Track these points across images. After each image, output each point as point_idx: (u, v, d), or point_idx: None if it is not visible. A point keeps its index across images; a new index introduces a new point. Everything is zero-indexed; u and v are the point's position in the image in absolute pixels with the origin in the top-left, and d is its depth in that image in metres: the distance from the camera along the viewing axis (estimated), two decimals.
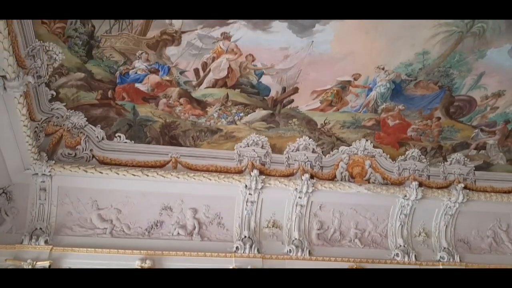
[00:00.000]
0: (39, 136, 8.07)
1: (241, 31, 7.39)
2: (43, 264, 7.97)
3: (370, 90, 8.53)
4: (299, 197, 9.42)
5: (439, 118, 9.15)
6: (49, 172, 8.30)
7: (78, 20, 6.89)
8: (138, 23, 7.12)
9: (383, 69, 8.06)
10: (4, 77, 6.18)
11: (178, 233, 9.08)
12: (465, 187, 10.01)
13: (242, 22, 7.23)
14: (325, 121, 9.20)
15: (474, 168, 10.27)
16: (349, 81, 8.37)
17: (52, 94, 7.92)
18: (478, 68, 8.02)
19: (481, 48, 7.60)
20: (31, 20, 6.47)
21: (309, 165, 9.59)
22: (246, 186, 9.14)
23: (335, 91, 8.56)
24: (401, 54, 7.73)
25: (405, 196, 9.74)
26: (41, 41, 6.91)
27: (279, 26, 7.29)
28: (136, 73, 7.92)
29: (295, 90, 8.51)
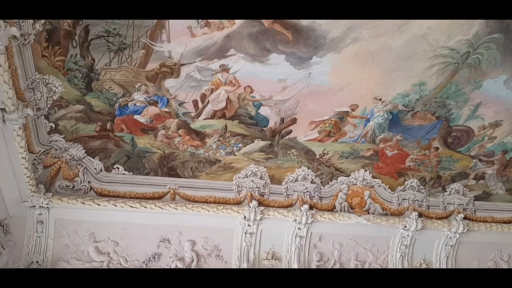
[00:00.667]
0: (37, 168, 8.04)
1: (239, 63, 7.49)
2: None
3: (368, 120, 8.58)
4: (299, 228, 9.33)
5: (437, 148, 9.17)
6: (46, 204, 8.24)
7: (78, 53, 6.98)
8: (137, 55, 7.21)
9: (380, 100, 8.13)
10: (3, 110, 6.20)
11: (176, 265, 8.95)
12: (465, 218, 9.94)
13: (240, 55, 7.34)
14: (324, 152, 9.20)
15: (473, 198, 10.22)
16: (347, 112, 8.43)
17: (51, 126, 7.94)
18: (475, 99, 8.10)
19: (477, 79, 7.69)
20: (31, 53, 6.54)
21: (308, 196, 9.54)
22: (245, 217, 9.06)
23: (333, 122, 8.60)
24: (398, 85, 7.82)
25: (405, 226, 9.65)
26: (41, 74, 6.97)
27: (277, 58, 7.40)
28: (135, 105, 7.97)
29: (293, 121, 8.56)
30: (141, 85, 7.65)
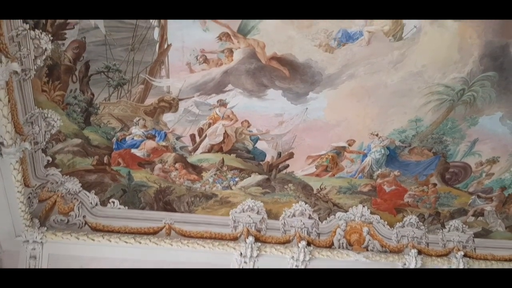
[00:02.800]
0: (33, 202, 7.99)
1: (237, 98, 7.58)
2: None
3: (365, 155, 8.60)
4: (296, 265, 9.17)
5: (435, 184, 9.14)
6: (40, 239, 8.13)
7: (78, 88, 7.06)
8: (136, 90, 7.30)
9: (377, 135, 8.17)
10: (1, 143, 6.22)
11: None
12: (465, 255, 9.79)
13: (238, 90, 7.44)
14: (321, 186, 9.17)
15: (473, 235, 10.10)
16: (343, 147, 8.46)
17: (48, 160, 7.94)
18: (471, 135, 8.14)
19: (473, 115, 7.76)
20: (31, 88, 6.61)
21: (305, 232, 9.43)
22: (241, 253, 8.91)
23: (330, 157, 8.61)
24: (394, 121, 7.88)
25: (405, 264, 9.49)
26: (40, 108, 7.03)
27: (274, 94, 7.49)
28: (132, 139, 8.00)
29: (291, 155, 8.57)
30: (139, 119, 7.71)
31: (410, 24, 6.78)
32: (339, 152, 8.53)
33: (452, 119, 7.83)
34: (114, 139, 7.95)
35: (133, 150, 8.19)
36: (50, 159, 7.94)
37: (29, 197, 7.82)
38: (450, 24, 6.64)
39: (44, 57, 6.39)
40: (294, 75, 7.24)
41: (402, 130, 8.02)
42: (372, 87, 7.35)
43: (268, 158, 8.59)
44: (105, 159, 8.20)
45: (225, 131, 8.09)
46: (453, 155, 8.57)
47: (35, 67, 6.36)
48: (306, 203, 9.44)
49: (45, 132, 7.31)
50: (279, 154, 8.54)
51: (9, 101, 5.92)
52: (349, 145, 8.39)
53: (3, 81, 5.66)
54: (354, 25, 6.83)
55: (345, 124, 7.93)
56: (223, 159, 8.49)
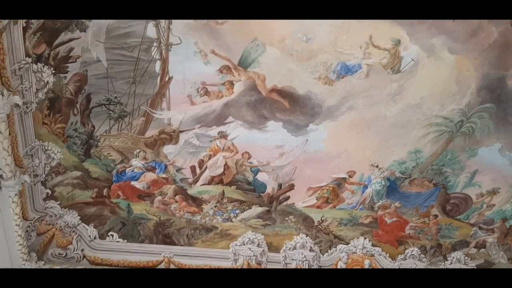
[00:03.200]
0: (31, 236, 7.88)
1: (237, 130, 7.62)
2: None
3: (366, 187, 8.56)
4: None
5: (436, 216, 9.07)
6: None
7: (79, 121, 7.10)
8: (137, 123, 7.35)
9: (377, 166, 8.17)
10: (0, 176, 6.19)
11: None
12: None
13: (238, 122, 7.49)
14: (322, 218, 9.08)
15: (475, 268, 9.97)
16: (344, 178, 8.44)
17: (47, 193, 7.88)
18: (471, 166, 8.14)
19: (472, 146, 7.78)
20: (32, 120, 6.63)
21: (307, 265, 9.27)
22: None
23: (331, 188, 8.58)
24: (394, 152, 7.90)
25: None
26: (41, 141, 7.04)
27: (274, 126, 7.54)
28: (133, 171, 7.98)
29: (291, 187, 8.53)
30: (139, 152, 7.71)
31: (407, 57, 6.92)
32: (339, 183, 8.50)
33: (452, 151, 7.85)
34: (114, 172, 7.93)
35: (133, 183, 8.15)
36: (50, 191, 7.89)
37: (27, 231, 7.72)
38: (447, 57, 6.77)
39: (45, 90, 6.45)
40: (294, 107, 7.31)
41: (402, 162, 8.02)
42: (372, 118, 7.40)
43: (268, 190, 8.55)
44: (105, 191, 8.15)
45: (226, 162, 8.08)
46: (453, 186, 8.54)
47: (37, 100, 6.41)
48: (307, 235, 9.32)
49: (45, 164, 7.29)
50: (280, 186, 8.51)
51: (9, 133, 5.95)
52: (350, 176, 8.37)
53: (4, 114, 5.70)
54: (353, 58, 6.96)
55: (345, 156, 7.94)
56: (223, 191, 8.45)
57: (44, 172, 7.43)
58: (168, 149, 7.77)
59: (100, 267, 8.37)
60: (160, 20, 6.40)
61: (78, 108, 6.96)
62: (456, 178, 8.36)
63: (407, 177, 8.33)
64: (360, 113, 7.34)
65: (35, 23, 5.83)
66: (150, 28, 6.48)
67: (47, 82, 6.33)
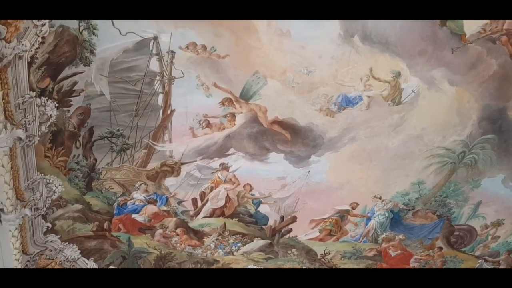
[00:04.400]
0: None
1: (239, 162, 7.61)
2: None
3: (369, 219, 8.49)
4: None
5: (441, 248, 8.96)
6: None
7: (81, 154, 7.10)
8: (139, 155, 7.35)
9: (380, 198, 8.12)
10: (1, 210, 6.15)
11: None
12: None
13: (240, 154, 7.49)
14: (325, 251, 8.97)
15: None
16: (347, 210, 8.37)
17: (48, 227, 7.80)
18: (475, 198, 8.09)
19: (475, 178, 7.75)
20: (34, 154, 6.63)
21: None
22: None
23: (333, 220, 8.50)
24: (397, 184, 7.86)
25: None
26: (42, 174, 7.01)
27: (276, 157, 7.53)
28: (134, 204, 7.94)
29: (294, 219, 8.46)
30: (141, 184, 7.69)
31: (408, 89, 6.96)
32: (342, 215, 8.43)
33: (455, 182, 7.82)
34: (115, 205, 7.88)
35: (134, 215, 8.09)
36: (50, 225, 7.81)
37: (26, 265, 7.60)
38: (448, 89, 6.81)
39: (48, 123, 6.47)
40: (295, 138, 7.32)
41: (405, 193, 7.98)
42: (374, 150, 7.40)
43: (270, 222, 8.47)
44: (106, 225, 8.08)
45: (227, 195, 8.04)
46: (457, 218, 8.46)
47: (39, 133, 6.41)
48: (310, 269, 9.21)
49: (46, 198, 7.25)
50: (282, 218, 8.43)
51: (11, 167, 5.93)
52: (353, 208, 8.31)
53: (7, 147, 5.70)
54: (353, 90, 7.01)
55: (348, 187, 7.91)
56: (225, 223, 8.37)
57: (45, 206, 7.38)
58: (169, 181, 7.75)
59: None
60: (164, 54, 6.49)
61: (81, 141, 6.98)
62: (460, 210, 8.30)
63: (410, 208, 8.27)
64: (362, 145, 7.34)
65: (40, 57, 5.91)
66: (153, 62, 6.56)
67: (50, 116, 6.35)
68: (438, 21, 6.26)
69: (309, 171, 7.70)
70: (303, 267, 9.12)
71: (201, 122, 7.18)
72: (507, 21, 6.17)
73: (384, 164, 7.55)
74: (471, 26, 6.29)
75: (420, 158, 7.45)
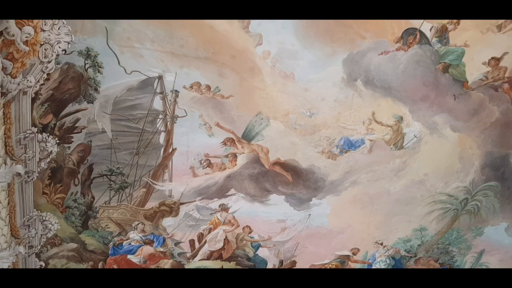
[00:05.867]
0: None
1: (239, 203, 7.50)
2: None
3: (370, 266, 8.29)
4: None
5: None
6: None
7: (79, 191, 6.99)
8: (138, 194, 7.23)
9: (381, 244, 7.97)
10: None
11: None
12: None
13: (240, 194, 7.40)
14: None
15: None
16: (348, 256, 8.19)
17: (41, 265, 7.56)
18: (478, 246, 7.96)
19: (478, 225, 7.66)
20: (32, 190, 6.52)
21: None
22: None
23: (334, 266, 8.30)
24: (399, 229, 7.75)
25: None
26: (39, 211, 6.86)
27: (277, 199, 7.45)
28: (130, 244, 7.73)
29: (293, 264, 8.25)
30: (138, 224, 7.53)
31: (410, 134, 6.99)
32: (343, 261, 8.23)
33: (457, 229, 7.71)
34: (111, 244, 7.68)
35: (129, 256, 7.86)
36: (44, 264, 7.56)
37: None
38: (450, 134, 6.85)
39: (48, 159, 6.39)
40: (297, 180, 7.26)
41: (407, 239, 7.84)
42: (375, 194, 7.34)
43: (269, 267, 8.25)
44: (100, 265, 7.83)
45: (226, 237, 7.87)
46: (460, 267, 8.28)
47: (39, 170, 6.33)
48: None
49: (41, 235, 7.06)
50: (281, 262, 8.23)
51: (8, 203, 5.81)
52: (354, 254, 8.13)
53: (5, 183, 5.60)
54: (356, 133, 7.04)
55: (349, 232, 7.78)
56: (222, 267, 8.15)
57: (40, 244, 7.18)
58: (167, 221, 7.60)
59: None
60: (167, 93, 6.53)
61: (80, 178, 6.89)
62: (462, 258, 8.14)
63: (412, 255, 8.11)
64: (364, 188, 7.29)
65: (44, 93, 5.92)
66: (157, 100, 6.59)
67: (51, 152, 6.29)
68: (440, 67, 6.37)
69: (310, 214, 7.60)
70: None
71: (202, 161, 7.14)
72: (509, 68, 6.29)
73: (386, 209, 7.46)
74: (473, 73, 6.40)
75: (423, 204, 7.38)
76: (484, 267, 8.28)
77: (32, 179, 6.31)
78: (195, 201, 7.44)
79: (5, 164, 5.49)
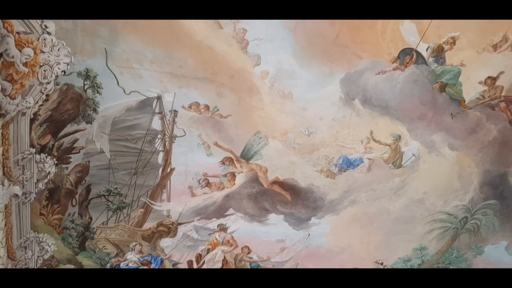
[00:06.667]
0: None
1: (237, 222, 7.45)
2: None
3: None
4: None
5: None
6: None
7: (77, 212, 6.93)
8: (135, 214, 7.18)
9: (381, 263, 7.89)
10: None
11: None
12: None
13: (239, 214, 7.35)
14: None
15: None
16: None
17: None
18: (478, 265, 7.89)
19: (478, 244, 7.62)
20: (29, 211, 6.46)
21: None
22: None
23: None
24: (399, 249, 7.69)
25: None
26: (36, 232, 6.78)
27: (276, 219, 7.40)
28: (127, 265, 7.63)
29: None
30: (135, 245, 7.44)
31: (408, 152, 7.00)
32: None
33: (458, 248, 7.66)
34: (108, 266, 7.58)
35: None
36: None
37: None
38: (448, 153, 6.85)
39: (46, 180, 6.35)
40: (296, 199, 7.23)
41: (407, 259, 7.78)
42: (375, 213, 7.31)
43: None
44: None
45: (224, 257, 7.78)
46: None
47: (36, 190, 6.28)
48: None
49: (37, 257, 6.97)
50: None
51: (5, 224, 5.74)
52: None
53: (2, 204, 5.54)
54: (354, 152, 7.04)
55: (349, 251, 7.71)
56: None
57: (36, 266, 7.09)
58: (165, 242, 7.52)
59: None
60: (166, 113, 6.54)
61: (77, 199, 6.84)
62: None
63: None
64: (363, 208, 7.26)
65: (43, 114, 5.91)
66: (155, 120, 6.59)
67: (49, 173, 6.25)
68: (437, 86, 6.41)
69: (309, 234, 7.55)
70: None
71: (201, 181, 7.11)
72: (505, 87, 6.33)
73: (386, 228, 7.42)
74: (470, 92, 6.44)
75: (422, 222, 7.35)
76: None
77: (30, 200, 6.25)
78: (193, 221, 7.38)
79: (3, 185, 5.45)
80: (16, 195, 5.81)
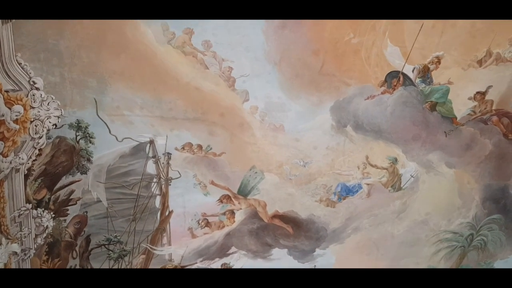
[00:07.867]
0: None
1: (241, 260, 7.35)
2: None
3: None
4: None
5: None
6: None
7: (78, 264, 6.84)
8: (137, 261, 7.09)
9: None
10: None
11: None
12: None
13: (242, 252, 7.25)
14: None
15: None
16: None
17: None
18: None
19: (487, 260, 7.49)
20: (30, 267, 6.38)
21: None
22: None
23: None
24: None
25: None
26: None
27: (279, 253, 7.31)
28: None
29: None
30: None
31: (406, 174, 6.95)
32: None
33: (467, 266, 7.52)
34: None
35: None
36: None
37: None
38: (446, 171, 6.81)
39: (45, 235, 6.30)
40: (298, 232, 7.15)
41: None
42: (379, 238, 7.21)
43: None
44: None
45: None
46: None
47: (35, 246, 6.22)
48: None
49: None
50: None
51: None
52: None
53: (1, 263, 5.48)
54: (352, 178, 6.99)
55: None
56: None
57: None
58: None
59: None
60: (160, 156, 6.54)
61: (77, 250, 6.77)
62: None
63: None
64: (367, 234, 7.17)
65: (37, 169, 5.92)
66: (150, 164, 6.59)
67: (47, 227, 6.21)
68: (427, 106, 6.44)
69: (315, 266, 7.41)
70: None
71: (200, 221, 7.05)
72: (495, 101, 6.35)
73: (392, 253, 7.30)
74: (461, 109, 6.45)
75: (428, 244, 7.24)
76: None
77: (29, 256, 6.18)
78: (196, 263, 7.28)
79: (1, 244, 5.40)
80: (15, 253, 5.75)
